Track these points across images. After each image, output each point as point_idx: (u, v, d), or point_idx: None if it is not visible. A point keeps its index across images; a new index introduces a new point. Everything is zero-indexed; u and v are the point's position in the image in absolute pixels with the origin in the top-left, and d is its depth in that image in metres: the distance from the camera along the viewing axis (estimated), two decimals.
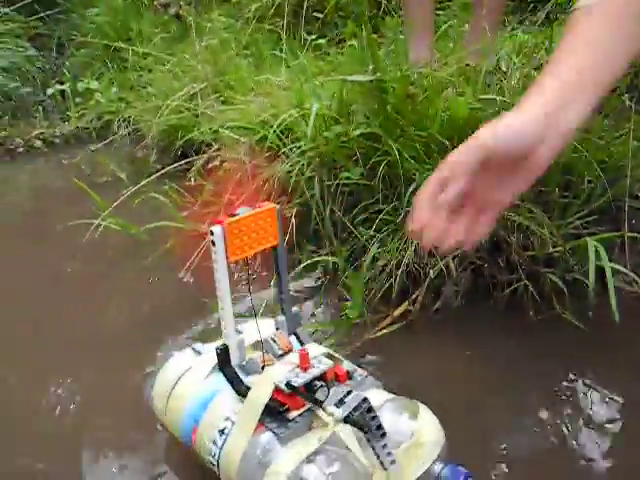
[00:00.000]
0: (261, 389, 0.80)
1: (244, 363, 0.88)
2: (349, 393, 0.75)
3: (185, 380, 0.91)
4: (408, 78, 1.31)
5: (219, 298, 0.87)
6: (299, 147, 1.59)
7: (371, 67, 1.37)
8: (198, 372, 0.90)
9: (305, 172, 1.54)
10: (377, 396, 0.81)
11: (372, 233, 1.33)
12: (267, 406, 0.79)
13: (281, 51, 2.71)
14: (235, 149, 1.89)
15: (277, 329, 0.94)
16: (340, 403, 0.74)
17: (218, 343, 0.90)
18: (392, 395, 0.83)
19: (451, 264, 1.28)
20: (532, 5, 2.34)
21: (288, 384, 0.77)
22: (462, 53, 1.68)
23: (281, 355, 0.89)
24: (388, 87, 1.33)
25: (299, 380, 0.77)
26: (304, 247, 1.54)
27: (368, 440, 0.71)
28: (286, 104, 1.80)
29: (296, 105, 1.58)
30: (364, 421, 0.71)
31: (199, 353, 0.95)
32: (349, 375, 0.84)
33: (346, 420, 0.72)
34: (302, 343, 0.93)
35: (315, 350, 0.84)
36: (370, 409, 0.71)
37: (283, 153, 1.67)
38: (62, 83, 3.33)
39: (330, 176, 1.51)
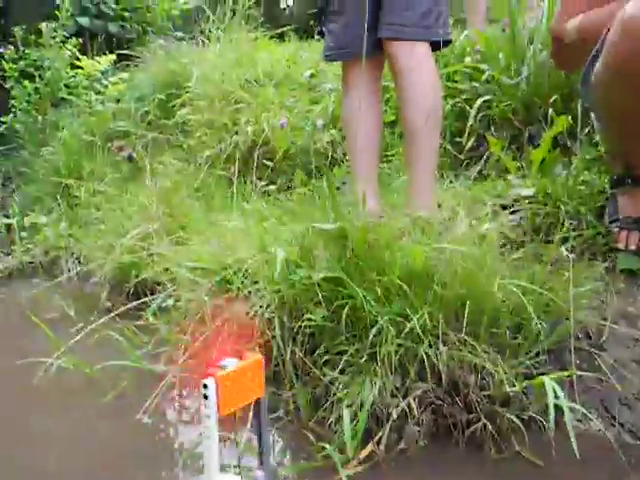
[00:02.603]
0: None
1: None
2: None
3: None
4: (367, 227, 1.42)
5: (205, 454, 0.85)
6: (259, 289, 1.65)
7: (332, 215, 1.48)
8: None
9: (264, 313, 1.59)
10: None
11: (336, 375, 1.36)
12: None
13: (232, 195, 2.85)
14: (192, 289, 1.93)
15: None
16: None
17: None
18: None
19: (412, 404, 1.33)
20: (466, 162, 2.59)
21: None
22: (408, 205, 1.84)
23: None
24: (349, 234, 1.43)
25: None
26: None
27: None
28: (244, 247, 1.88)
29: (259, 249, 1.66)
30: None
31: None
32: None
33: None
34: None
35: None
36: None
37: (242, 294, 1.73)
38: (8, 217, 3.33)
39: (291, 318, 1.57)
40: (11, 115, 4.12)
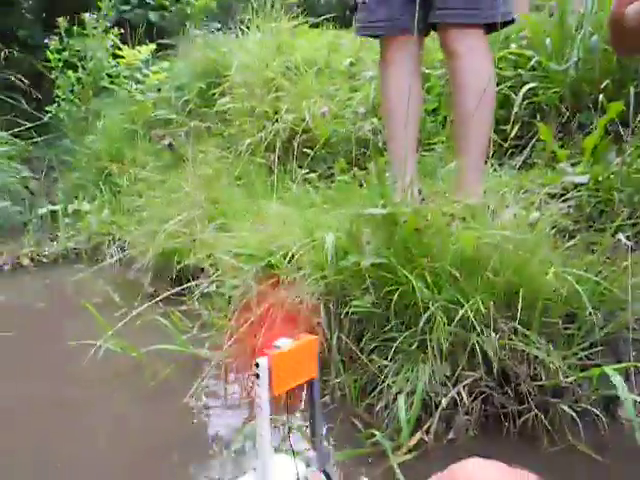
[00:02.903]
0: None
1: None
2: None
3: None
4: (420, 212, 1.39)
5: (258, 433, 0.83)
6: (304, 275, 1.64)
7: (380, 201, 1.46)
8: None
9: (310, 300, 1.58)
10: None
11: (385, 362, 1.35)
12: None
13: (272, 183, 2.85)
14: (236, 276, 1.93)
15: (308, 466, 0.91)
16: None
17: None
18: None
19: (462, 392, 1.30)
20: (510, 150, 2.54)
21: None
22: (457, 191, 1.81)
23: None
24: (399, 220, 1.41)
25: None
26: None
27: None
28: (289, 233, 1.87)
29: (305, 235, 1.65)
30: None
31: None
32: None
33: None
34: None
35: None
36: None
37: (288, 281, 1.72)
38: (54, 204, 3.40)
39: (337, 304, 1.56)
40: (55, 104, 4.19)
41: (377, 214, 1.42)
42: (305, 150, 3.01)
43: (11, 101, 4.37)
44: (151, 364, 1.70)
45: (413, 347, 1.33)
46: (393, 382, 1.32)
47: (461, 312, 1.28)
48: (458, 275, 1.33)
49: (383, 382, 1.34)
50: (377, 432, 1.25)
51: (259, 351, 0.83)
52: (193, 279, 2.25)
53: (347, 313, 1.49)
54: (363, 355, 1.43)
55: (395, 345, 1.34)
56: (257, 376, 0.80)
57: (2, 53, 4.62)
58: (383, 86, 2.00)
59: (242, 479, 0.89)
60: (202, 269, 2.28)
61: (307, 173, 2.84)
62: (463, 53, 1.75)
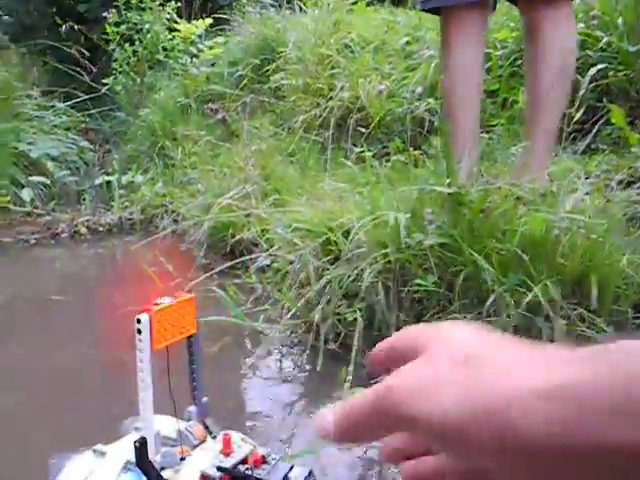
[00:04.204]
0: (188, 478, 0.80)
1: (158, 458, 0.85)
2: (291, 469, 0.79)
3: None
4: (488, 193, 1.36)
5: (140, 388, 0.85)
6: (363, 252, 1.63)
7: (447, 180, 1.43)
8: (105, 475, 0.85)
9: (368, 277, 1.57)
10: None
11: None
12: None
13: (326, 161, 2.84)
14: (290, 251, 1.94)
15: (189, 420, 0.94)
16: (285, 479, 0.77)
17: (122, 442, 0.88)
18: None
19: None
20: (572, 135, 2.46)
21: (220, 468, 0.79)
22: (523, 170, 1.76)
23: (196, 445, 0.88)
24: (465, 200, 1.38)
25: (228, 463, 0.79)
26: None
27: None
28: (347, 210, 1.86)
29: (366, 212, 1.63)
30: None
31: (102, 454, 0.90)
32: (264, 459, 0.84)
33: None
34: (211, 433, 0.92)
35: (233, 436, 0.87)
36: None
37: (345, 257, 1.71)
38: (108, 175, 3.46)
39: (396, 283, 1.54)
40: (112, 77, 4.25)
41: (444, 192, 1.39)
42: (359, 128, 2.98)
43: (72, 72, 4.45)
44: (207, 335, 1.72)
45: None
46: None
47: (530, 296, 1.25)
48: (525, 258, 1.29)
49: None
50: None
51: (141, 309, 0.86)
52: (247, 253, 2.26)
53: (407, 292, 1.47)
54: None
55: None
56: (139, 332, 0.84)
57: (61, 27, 4.70)
58: (447, 63, 1.95)
59: (126, 438, 0.91)
60: (255, 244, 2.29)
61: (361, 152, 2.82)
62: (548, 26, 1.69)
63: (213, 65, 4.01)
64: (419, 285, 1.42)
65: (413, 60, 3.38)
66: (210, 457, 0.81)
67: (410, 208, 1.54)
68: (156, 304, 0.86)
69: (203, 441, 0.88)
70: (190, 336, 0.92)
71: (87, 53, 4.53)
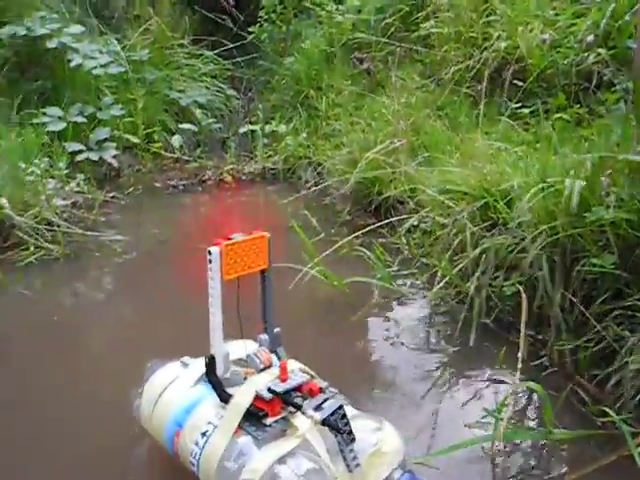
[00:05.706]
0: (244, 395, 0.89)
1: (228, 375, 0.95)
2: (326, 400, 0.86)
3: (172, 388, 0.99)
4: None
5: (211, 313, 0.94)
6: (526, 222, 1.49)
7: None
8: (185, 381, 0.99)
9: (530, 249, 1.44)
10: (347, 409, 0.88)
11: (627, 334, 1.19)
12: (247, 411, 0.88)
13: (477, 117, 2.66)
14: (441, 213, 1.83)
15: (260, 346, 1.01)
16: (319, 408, 0.85)
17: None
18: (358, 411, 0.93)
19: None
20: None
21: (270, 389, 0.87)
22: None
23: (262, 369, 0.96)
24: None
25: (279, 387, 0.88)
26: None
27: (339, 443, 0.83)
28: (507, 174, 1.72)
29: (538, 178, 1.49)
30: (338, 425, 0.82)
31: (186, 365, 1.03)
32: (322, 390, 0.91)
33: (323, 422, 0.83)
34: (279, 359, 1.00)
35: (293, 365, 0.97)
36: (344, 416, 0.83)
37: (504, 226, 1.59)
38: (252, 123, 3.49)
39: (564, 258, 1.40)
40: (258, 25, 4.24)
41: (633, 159, 1.22)
42: (515, 82, 2.75)
43: (219, 21, 4.50)
44: (353, 295, 1.68)
45: None
46: (632, 358, 1.16)
47: None
48: None
49: (620, 356, 1.19)
50: (610, 411, 1.12)
51: (214, 242, 0.93)
52: (393, 211, 2.19)
53: (578, 271, 1.33)
54: (594, 320, 1.28)
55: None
56: (210, 262, 0.92)
57: None
58: None
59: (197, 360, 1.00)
60: (401, 201, 2.21)
61: (518, 108, 2.61)
62: None
63: (359, 12, 3.87)
64: (593, 265, 1.27)
65: (582, 5, 3.05)
66: (269, 381, 0.90)
67: (585, 176, 1.38)
68: (229, 239, 0.93)
69: (269, 366, 0.96)
70: (263, 271, 0.99)
71: (234, 1, 4.54)
